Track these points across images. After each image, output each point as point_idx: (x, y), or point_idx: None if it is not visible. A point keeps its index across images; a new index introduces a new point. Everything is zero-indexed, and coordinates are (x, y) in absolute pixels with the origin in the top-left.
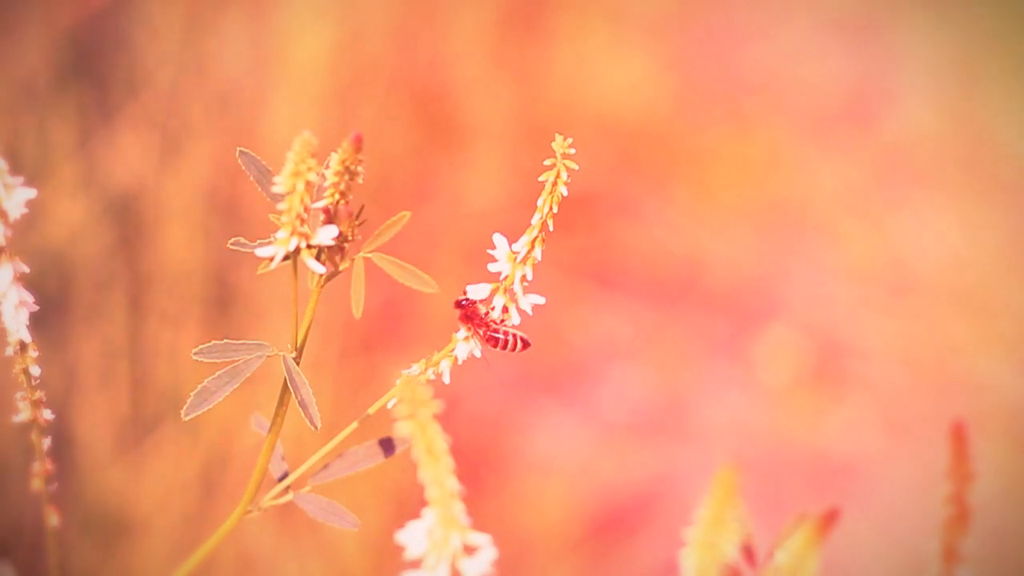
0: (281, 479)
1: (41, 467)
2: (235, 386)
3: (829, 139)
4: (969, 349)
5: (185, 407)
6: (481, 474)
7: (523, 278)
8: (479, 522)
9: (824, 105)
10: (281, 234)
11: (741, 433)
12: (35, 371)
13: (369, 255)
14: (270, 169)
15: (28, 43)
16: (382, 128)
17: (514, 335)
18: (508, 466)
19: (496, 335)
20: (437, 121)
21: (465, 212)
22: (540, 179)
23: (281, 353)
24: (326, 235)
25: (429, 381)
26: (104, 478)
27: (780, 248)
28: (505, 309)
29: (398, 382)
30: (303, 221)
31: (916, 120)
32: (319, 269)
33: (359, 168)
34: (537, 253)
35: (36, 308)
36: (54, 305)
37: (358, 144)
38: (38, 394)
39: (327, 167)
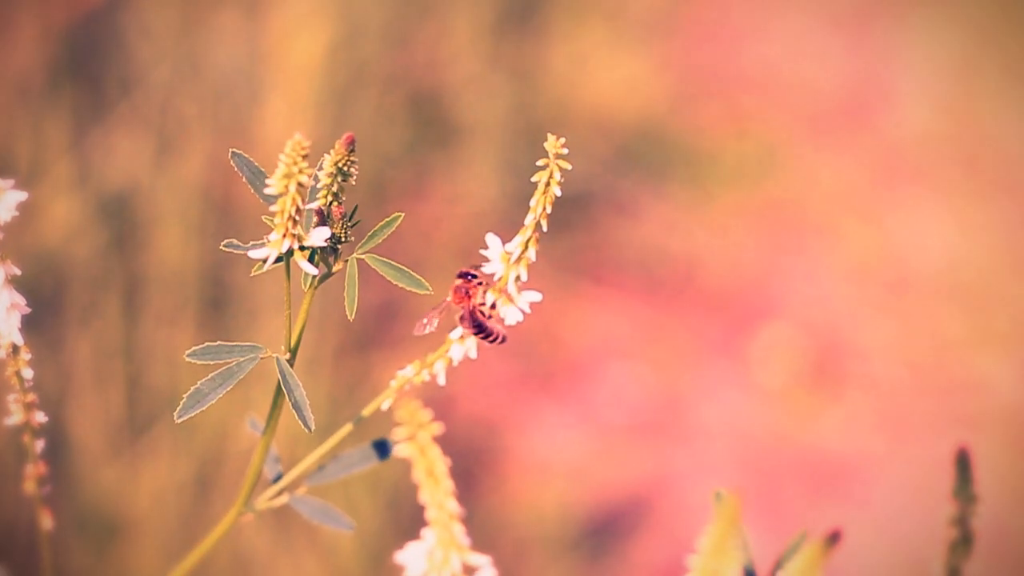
0: (275, 481)
1: (34, 470)
2: (228, 388)
3: (827, 138)
4: (968, 348)
5: (178, 409)
6: (477, 474)
7: (517, 278)
8: (475, 523)
9: (822, 103)
10: (274, 236)
11: (739, 433)
12: (27, 374)
13: (362, 256)
14: (263, 171)
15: (22, 42)
16: (377, 127)
17: (496, 329)
18: (504, 466)
19: (480, 320)
20: (432, 120)
21: (460, 211)
22: (533, 180)
23: (275, 355)
24: (319, 237)
25: (424, 382)
26: (99, 479)
27: (778, 247)
28: (493, 306)
29: (392, 383)
30: (296, 223)
31: (915, 118)
32: (312, 271)
33: (352, 169)
34: (531, 253)
35: (28, 311)
36: (48, 305)
37: (350, 145)
38: (31, 397)
39: (320, 168)
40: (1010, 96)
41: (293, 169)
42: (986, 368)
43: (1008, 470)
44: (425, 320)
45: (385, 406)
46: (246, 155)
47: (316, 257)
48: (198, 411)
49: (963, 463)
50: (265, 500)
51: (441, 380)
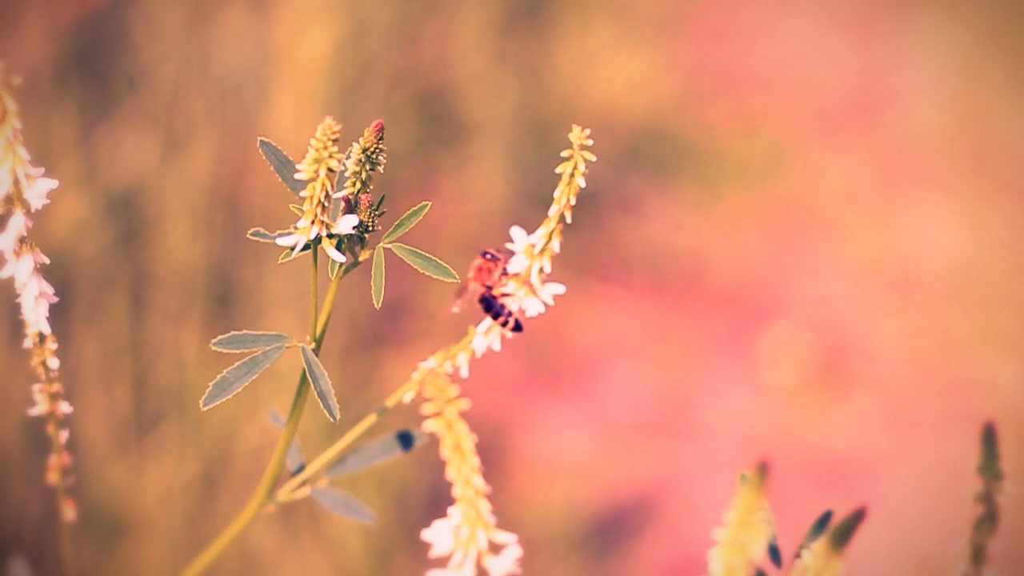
0: (297, 473)
1: (58, 460)
2: (254, 377)
3: (834, 137)
4: (975, 346)
5: (204, 396)
6: (484, 472)
7: (540, 270)
8: None
9: (830, 103)
10: (302, 223)
11: (746, 431)
12: (53, 363)
13: (389, 245)
14: (291, 159)
15: (29, 39)
16: (385, 124)
17: (512, 313)
18: (511, 464)
19: (497, 301)
20: (439, 118)
21: (467, 209)
22: (557, 171)
23: (300, 344)
24: (347, 224)
25: (446, 374)
26: (105, 476)
27: (785, 245)
28: (509, 295)
29: (415, 375)
30: (324, 210)
31: (921, 118)
32: (340, 258)
33: (380, 157)
34: (555, 245)
35: (56, 299)
36: (55, 302)
37: (379, 132)
38: (56, 387)
39: (348, 157)
40: (1017, 96)
41: (323, 154)
42: (993, 366)
43: (1014, 469)
44: (455, 308)
45: (407, 398)
46: (274, 143)
47: (343, 245)
48: (223, 399)
49: (989, 439)
50: (287, 492)
51: (464, 372)
